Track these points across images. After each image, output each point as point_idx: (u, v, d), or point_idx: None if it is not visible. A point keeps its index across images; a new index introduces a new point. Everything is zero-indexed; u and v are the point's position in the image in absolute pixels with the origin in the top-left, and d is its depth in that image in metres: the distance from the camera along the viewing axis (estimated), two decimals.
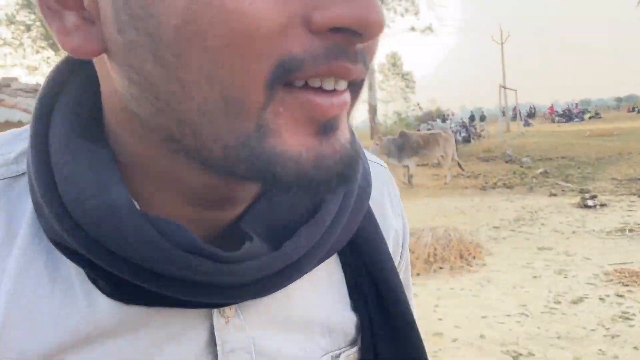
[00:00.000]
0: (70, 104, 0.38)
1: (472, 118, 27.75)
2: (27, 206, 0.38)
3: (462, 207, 8.76)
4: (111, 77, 0.35)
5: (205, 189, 0.38)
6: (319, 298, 0.45)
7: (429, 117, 24.49)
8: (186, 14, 0.29)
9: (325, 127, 0.33)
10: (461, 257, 5.37)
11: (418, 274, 5.05)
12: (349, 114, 0.36)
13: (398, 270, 0.50)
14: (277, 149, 0.32)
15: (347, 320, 0.46)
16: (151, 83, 0.32)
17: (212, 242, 0.38)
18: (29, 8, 21.87)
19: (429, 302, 4.33)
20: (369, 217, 0.48)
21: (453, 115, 27.55)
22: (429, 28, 23.00)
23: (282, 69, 0.30)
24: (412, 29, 23.04)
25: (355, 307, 0.46)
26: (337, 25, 0.30)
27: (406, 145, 11.35)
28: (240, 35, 0.29)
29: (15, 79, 10.42)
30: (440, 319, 3.94)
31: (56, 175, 0.36)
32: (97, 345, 0.38)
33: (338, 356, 0.45)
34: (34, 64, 23.50)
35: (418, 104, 27.59)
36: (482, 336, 3.57)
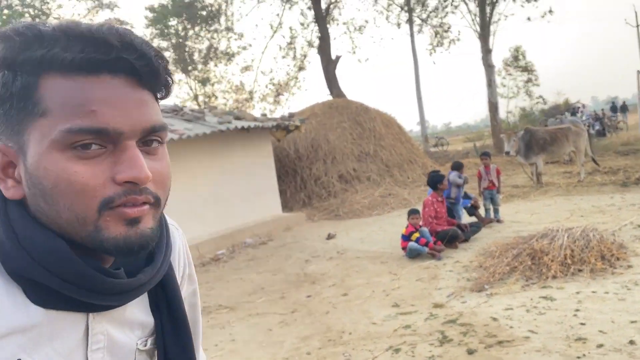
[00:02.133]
0: (18, 206, 0.69)
1: (614, 109, 25.26)
2: None
3: (601, 205, 8.12)
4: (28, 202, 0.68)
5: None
6: (138, 309, 0.79)
7: (556, 111, 22.89)
8: (54, 183, 0.63)
9: (132, 221, 0.66)
10: (602, 258, 5.01)
11: (554, 277, 4.80)
12: (155, 213, 0.70)
13: (180, 284, 0.89)
14: (104, 236, 0.65)
15: (150, 320, 0.81)
16: (43, 210, 0.66)
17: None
18: (162, 36, 24.08)
19: (568, 306, 4.11)
20: (170, 266, 0.83)
21: (584, 107, 25.40)
22: (550, 11, 21.39)
23: (104, 203, 0.64)
24: (528, 19, 21.69)
25: (153, 314, 0.81)
26: (126, 180, 0.64)
27: (532, 142, 10.74)
28: (79, 192, 0.63)
29: None
30: (582, 324, 3.73)
31: (19, 235, 0.65)
32: (28, 331, 0.66)
33: (146, 340, 0.80)
34: None
35: (541, 97, 25.86)
36: (632, 342, 3.32)
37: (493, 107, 20.53)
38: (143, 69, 0.66)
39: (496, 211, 8.19)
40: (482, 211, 8.19)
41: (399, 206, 10.96)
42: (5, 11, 17.77)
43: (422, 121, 26.30)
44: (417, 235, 6.53)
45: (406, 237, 6.62)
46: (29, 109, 0.64)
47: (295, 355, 3.96)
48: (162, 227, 0.77)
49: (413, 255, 6.45)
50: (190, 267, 0.94)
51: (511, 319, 4.04)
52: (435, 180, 7.19)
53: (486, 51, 20.57)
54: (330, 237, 8.62)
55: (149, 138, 0.68)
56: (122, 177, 0.64)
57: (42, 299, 0.66)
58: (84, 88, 0.63)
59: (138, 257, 0.74)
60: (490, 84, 20.53)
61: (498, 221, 8.01)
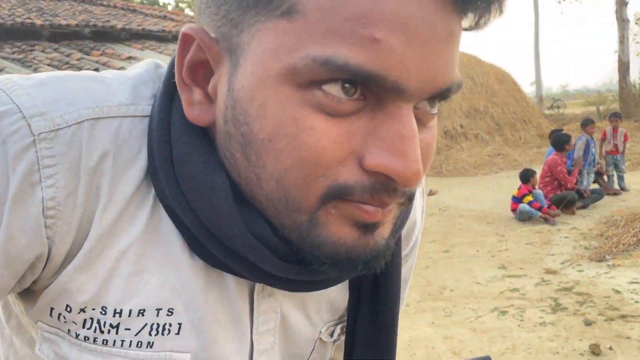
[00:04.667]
0: (189, 124, 0.45)
1: None
2: (144, 146, 0.45)
3: None
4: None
5: None
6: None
7: None
8: (271, 134, 0.39)
9: (367, 226, 0.42)
10: None
11: None
12: (397, 215, 0.45)
13: (406, 257, 0.63)
14: (320, 237, 0.41)
15: (345, 298, 0.57)
16: (237, 164, 0.42)
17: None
18: None
19: None
20: (398, 241, 0.56)
21: None
22: None
23: (333, 192, 0.40)
24: None
25: (351, 291, 0.56)
26: (380, 171, 0.39)
27: None
28: (305, 162, 0.39)
29: None
30: None
31: (173, 151, 0.44)
32: (189, 288, 0.48)
33: (333, 328, 0.58)
34: None
35: None
36: None
37: (623, 67, 18.52)
38: None
39: (620, 178, 7.45)
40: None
41: (508, 167, 10.36)
42: None
43: (538, 81, 24.58)
44: (530, 198, 6.09)
45: (517, 199, 6.20)
46: None
47: None
48: (392, 236, 0.48)
49: (523, 218, 6.05)
50: (420, 228, 0.66)
51: (637, 293, 3.65)
52: (562, 140, 6.61)
53: (621, 3, 18.43)
54: (431, 193, 8.36)
55: (433, 100, 0.42)
56: (375, 163, 0.39)
57: (208, 257, 0.47)
58: None
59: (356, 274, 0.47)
60: (623, 40, 18.46)
61: (623, 189, 7.29)
